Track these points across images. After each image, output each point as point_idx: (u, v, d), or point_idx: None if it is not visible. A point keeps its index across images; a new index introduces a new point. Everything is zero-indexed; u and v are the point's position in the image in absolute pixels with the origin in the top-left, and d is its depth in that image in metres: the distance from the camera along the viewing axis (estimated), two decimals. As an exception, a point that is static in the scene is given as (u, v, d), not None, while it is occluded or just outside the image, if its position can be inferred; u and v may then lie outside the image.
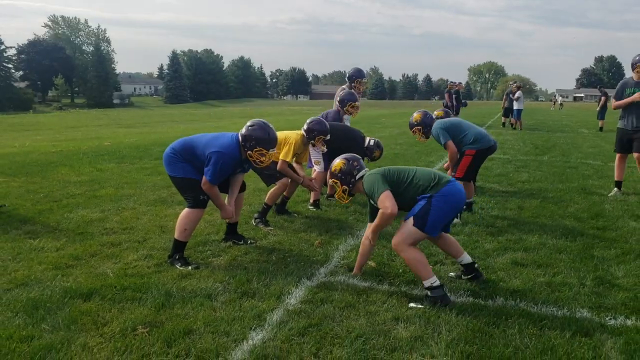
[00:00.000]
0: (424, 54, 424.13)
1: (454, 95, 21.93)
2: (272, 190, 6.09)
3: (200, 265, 4.52)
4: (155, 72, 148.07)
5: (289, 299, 3.86)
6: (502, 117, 24.55)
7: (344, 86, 8.10)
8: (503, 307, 3.77)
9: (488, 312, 3.66)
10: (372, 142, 6.94)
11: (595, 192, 8.11)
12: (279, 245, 5.17)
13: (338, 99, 7.53)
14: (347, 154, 4.50)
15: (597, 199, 7.61)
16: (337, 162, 4.34)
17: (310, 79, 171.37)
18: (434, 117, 7.04)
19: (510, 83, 25.36)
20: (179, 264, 4.50)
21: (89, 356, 3.03)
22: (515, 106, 22.92)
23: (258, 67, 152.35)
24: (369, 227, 4.33)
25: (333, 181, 4.35)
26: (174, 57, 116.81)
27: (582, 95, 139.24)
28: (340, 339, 3.27)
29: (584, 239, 5.48)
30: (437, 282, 3.86)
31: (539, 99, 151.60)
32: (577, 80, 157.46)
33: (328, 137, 5.98)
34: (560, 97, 58.52)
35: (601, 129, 22.33)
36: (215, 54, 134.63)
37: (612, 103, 8.11)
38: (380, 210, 3.99)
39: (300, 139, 6.03)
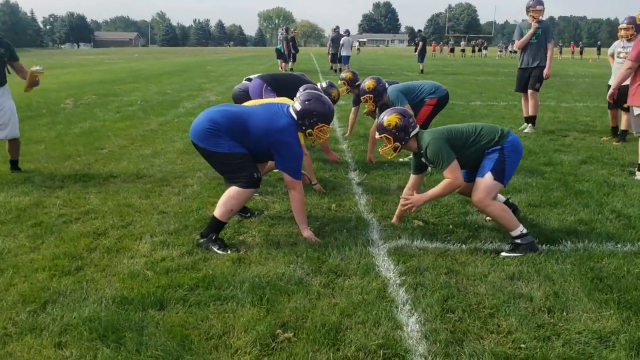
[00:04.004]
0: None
1: (290, 43, 21.85)
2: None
3: (238, 248, 3.87)
4: None
5: (383, 272, 3.50)
6: (331, 63, 25.05)
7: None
8: (579, 250, 3.85)
9: (575, 258, 3.70)
10: (324, 85, 6.49)
11: (497, 131, 8.73)
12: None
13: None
14: (398, 108, 4.18)
15: (509, 137, 8.19)
16: (391, 116, 4.00)
17: (91, 25, 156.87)
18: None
19: (333, 29, 25.77)
20: (217, 246, 3.81)
21: (260, 380, 2.40)
22: (343, 52, 23.56)
23: (27, 12, 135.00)
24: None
25: (385, 136, 4.02)
26: None
27: (365, 40, 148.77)
28: (491, 309, 3.04)
29: (553, 175, 5.87)
30: (525, 230, 3.83)
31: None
32: (360, 25, 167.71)
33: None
34: (357, 42, 61.67)
35: (422, 71, 24.10)
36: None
37: (516, 43, 8.79)
38: (447, 180, 3.90)
39: None
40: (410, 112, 4.18)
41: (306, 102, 3.95)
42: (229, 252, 3.77)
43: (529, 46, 8.61)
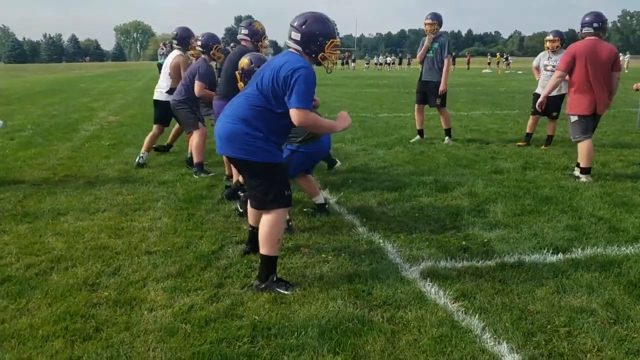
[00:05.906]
0: (64, 11, 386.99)
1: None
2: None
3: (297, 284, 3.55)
4: None
5: (437, 299, 3.33)
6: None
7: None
8: (593, 256, 3.96)
9: (596, 265, 3.80)
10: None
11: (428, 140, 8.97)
12: (289, 239, 4.34)
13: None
14: (254, 54, 4.83)
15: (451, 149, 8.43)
16: (244, 59, 4.67)
17: None
18: None
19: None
20: (283, 287, 3.43)
21: None
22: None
23: None
24: None
25: (237, 73, 4.74)
26: None
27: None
28: (564, 327, 3.00)
29: (511, 183, 6.08)
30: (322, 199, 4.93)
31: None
32: (223, 39, 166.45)
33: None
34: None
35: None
36: None
37: (417, 56, 8.85)
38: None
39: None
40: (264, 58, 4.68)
41: (303, 26, 3.36)
42: (293, 289, 3.44)
43: (426, 60, 8.69)
